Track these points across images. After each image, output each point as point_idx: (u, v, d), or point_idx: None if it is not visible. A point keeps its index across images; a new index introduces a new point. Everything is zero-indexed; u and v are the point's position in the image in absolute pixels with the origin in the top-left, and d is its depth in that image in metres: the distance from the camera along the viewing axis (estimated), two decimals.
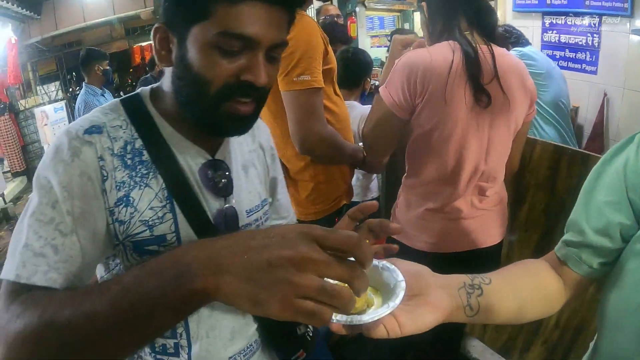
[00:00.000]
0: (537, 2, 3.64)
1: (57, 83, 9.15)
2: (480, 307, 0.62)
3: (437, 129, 1.24)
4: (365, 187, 2.38)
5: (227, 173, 0.78)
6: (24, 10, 7.27)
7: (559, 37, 3.61)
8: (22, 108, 8.36)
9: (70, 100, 8.03)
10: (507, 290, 0.67)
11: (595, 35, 3.29)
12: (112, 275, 0.74)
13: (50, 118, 8.07)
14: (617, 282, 0.64)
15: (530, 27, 3.72)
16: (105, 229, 0.67)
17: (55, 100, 8.76)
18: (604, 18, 3.19)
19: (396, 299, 0.51)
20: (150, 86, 0.77)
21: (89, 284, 0.64)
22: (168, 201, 0.70)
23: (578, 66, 3.48)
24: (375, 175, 2.43)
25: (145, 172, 0.70)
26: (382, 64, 5.83)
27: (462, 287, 0.62)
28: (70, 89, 8.84)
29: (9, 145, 7.50)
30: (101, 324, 0.45)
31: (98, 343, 0.46)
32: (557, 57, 3.64)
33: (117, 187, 0.67)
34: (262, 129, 0.94)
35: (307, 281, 0.41)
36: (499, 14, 3.84)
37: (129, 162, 0.69)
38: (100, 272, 0.77)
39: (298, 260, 0.41)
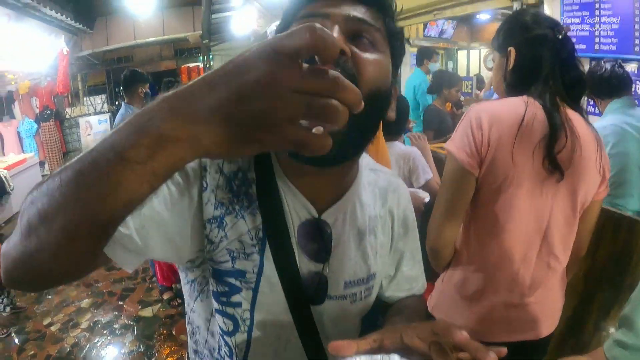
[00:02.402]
0: (585, 47, 3.48)
1: (104, 96, 9.55)
2: None
3: (501, 191, 1.11)
4: None
5: (327, 238, 0.70)
6: (78, 23, 7.68)
7: None
8: (67, 116, 8.73)
9: (115, 114, 8.32)
10: None
11: None
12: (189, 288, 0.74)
13: (94, 129, 8.40)
14: None
15: None
16: (182, 228, 0.62)
17: (101, 112, 9.14)
18: None
19: None
20: None
21: None
22: (260, 242, 0.67)
23: None
24: None
25: (246, 204, 0.67)
26: None
27: None
28: (117, 102, 9.19)
29: (52, 150, 7.81)
30: (66, 179, 0.41)
31: (64, 202, 0.42)
32: None
33: (215, 206, 0.65)
34: (399, 193, 0.84)
35: (289, 102, 0.36)
36: None
37: (235, 187, 0.67)
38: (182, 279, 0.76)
39: (267, 81, 0.35)
